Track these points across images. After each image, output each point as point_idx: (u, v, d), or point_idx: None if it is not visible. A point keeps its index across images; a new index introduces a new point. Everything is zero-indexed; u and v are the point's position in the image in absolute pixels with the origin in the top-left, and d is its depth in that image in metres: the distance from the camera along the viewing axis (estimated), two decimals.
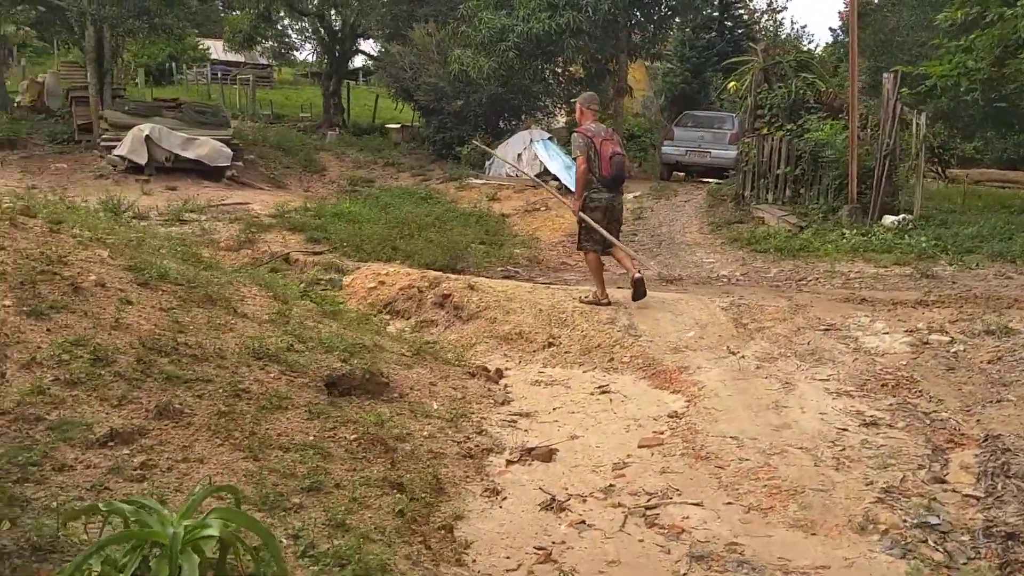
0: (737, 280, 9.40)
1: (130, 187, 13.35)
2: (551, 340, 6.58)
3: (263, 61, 45.12)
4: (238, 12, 30.40)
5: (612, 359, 6.16)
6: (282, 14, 30.83)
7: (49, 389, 3.01)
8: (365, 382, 4.49)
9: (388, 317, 7.78)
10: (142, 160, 13.85)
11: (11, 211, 4.87)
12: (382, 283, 8.14)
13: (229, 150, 14.63)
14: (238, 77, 34.43)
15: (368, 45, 32.11)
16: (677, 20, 22.95)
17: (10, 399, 2.87)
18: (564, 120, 25.59)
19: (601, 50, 18.65)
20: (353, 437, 3.60)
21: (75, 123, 16.64)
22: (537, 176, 16.74)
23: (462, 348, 6.53)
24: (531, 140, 17.31)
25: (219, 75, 37.57)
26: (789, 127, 12.06)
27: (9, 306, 3.55)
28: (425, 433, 4.21)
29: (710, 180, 16.52)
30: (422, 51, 20.86)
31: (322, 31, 30.14)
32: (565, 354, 6.37)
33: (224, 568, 2.07)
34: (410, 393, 4.81)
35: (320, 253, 9.82)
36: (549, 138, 17.63)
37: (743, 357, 5.73)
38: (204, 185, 14.13)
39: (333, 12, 28.57)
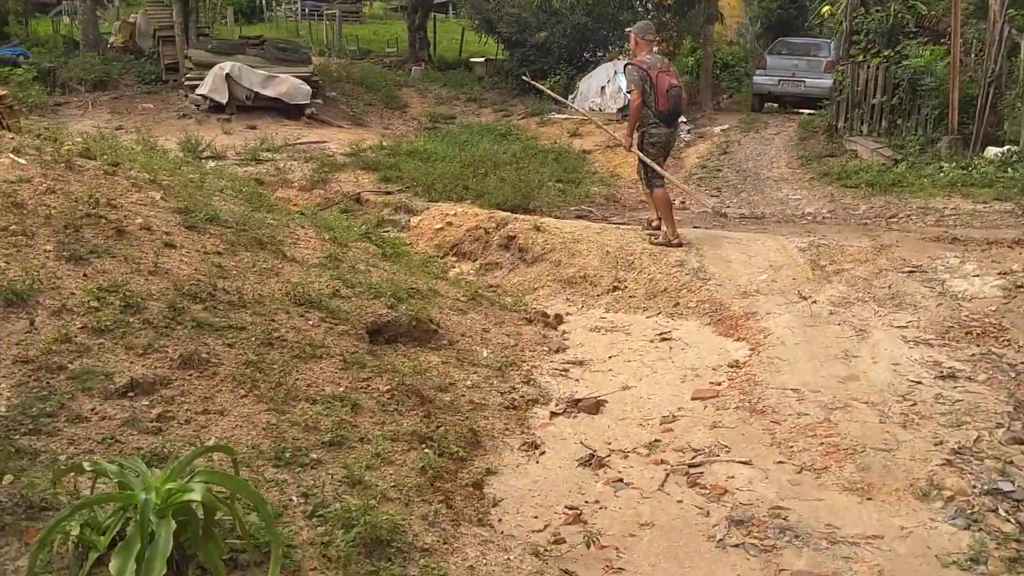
0: (823, 218, 8.86)
1: (211, 126, 13.58)
2: (616, 284, 6.35)
3: None
4: None
5: (678, 304, 5.89)
6: None
7: (76, 337, 3.01)
8: (411, 329, 4.40)
9: (454, 259, 7.69)
10: (223, 99, 14.03)
11: (68, 153, 4.92)
12: (449, 224, 8.03)
13: (308, 88, 14.65)
14: (325, 12, 34.38)
15: None
16: None
17: (36, 348, 2.87)
18: (655, 50, 24.69)
19: None
20: (386, 388, 3.51)
21: (162, 63, 16.98)
22: (620, 109, 16.24)
23: (523, 292, 6.38)
24: (615, 72, 16.69)
25: (313, 12, 37.61)
26: (886, 54, 11.17)
27: (50, 251, 3.57)
28: (468, 383, 4.10)
29: (805, 111, 15.63)
30: None
31: None
32: (630, 299, 6.13)
33: (210, 532, 2.00)
34: (460, 340, 4.70)
35: (391, 193, 9.76)
36: None
37: (815, 302, 5.37)
38: (283, 123, 14.24)
39: None
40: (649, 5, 19.97)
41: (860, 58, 11.60)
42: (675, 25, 21.27)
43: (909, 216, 8.13)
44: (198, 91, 14.22)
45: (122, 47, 20.57)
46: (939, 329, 4.84)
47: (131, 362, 3.00)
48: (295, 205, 9.89)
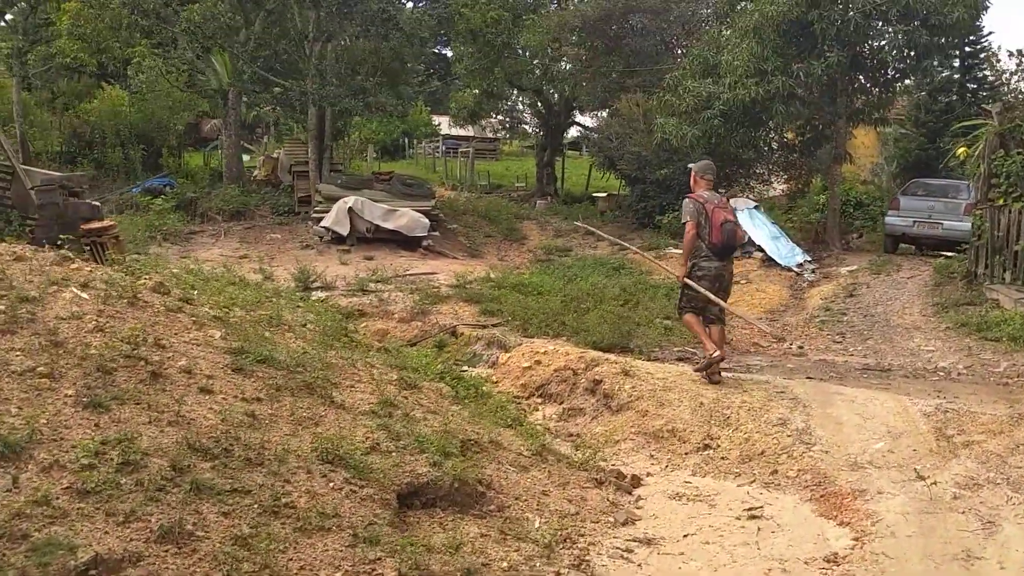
0: (958, 374, 7.90)
1: (330, 257, 14.02)
2: (707, 442, 5.72)
3: (490, 135, 47.51)
4: (465, 90, 32.15)
5: (776, 471, 5.19)
6: (504, 90, 32.16)
7: (56, 499, 2.78)
8: (453, 491, 3.97)
9: (539, 400, 7.27)
10: (344, 231, 14.54)
11: (135, 288, 4.93)
12: (538, 363, 7.66)
13: (427, 220, 15.01)
14: (460, 151, 36.03)
15: (585, 118, 32.57)
16: (908, 83, 20.98)
17: (7, 511, 2.65)
18: (781, 188, 24.13)
19: (817, 116, 17.27)
20: (393, 574, 3.06)
21: (296, 196, 17.97)
22: (740, 247, 15.69)
23: (603, 444, 5.84)
24: (735, 209, 16.24)
25: (450, 150, 39.45)
26: None
27: (71, 396, 3.43)
28: (506, 564, 3.59)
29: (944, 254, 14.58)
30: (628, 121, 20.62)
31: (539, 104, 30.99)
32: (721, 460, 5.48)
33: None
34: (512, 505, 4.22)
35: (489, 326, 9.53)
36: (755, 207, 16.50)
37: (935, 483, 4.55)
38: (400, 255, 14.55)
39: (550, 87, 29.23)
40: (774, 144, 19.64)
41: (1000, 201, 10.69)
42: (803, 164, 20.79)
43: None
44: (322, 223, 14.82)
45: (264, 180, 22.07)
46: None
47: (105, 532, 2.72)
48: (392, 337, 9.88)
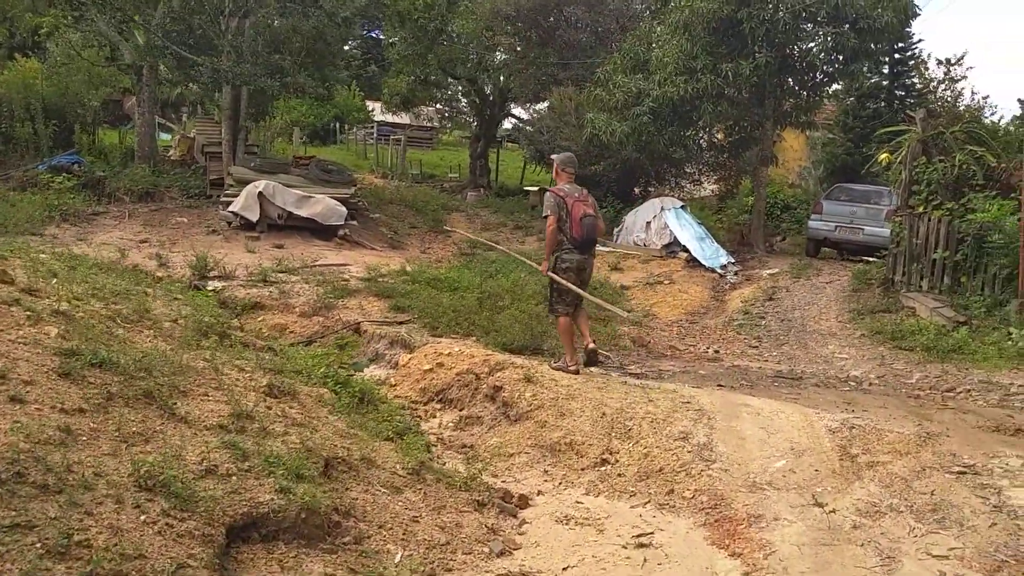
0: (870, 384, 7.75)
1: (237, 244, 13.29)
2: (605, 456, 5.37)
3: (426, 124, 46.71)
4: (398, 76, 31.42)
5: (672, 491, 4.86)
6: (439, 78, 31.52)
7: None
8: (300, 523, 3.49)
9: (438, 407, 6.83)
10: (254, 217, 13.82)
11: None
12: (441, 365, 7.21)
13: (344, 209, 14.38)
14: (392, 138, 35.30)
15: (520, 110, 32.16)
16: (837, 87, 21.17)
17: None
18: (711, 188, 24.13)
19: (745, 117, 17.21)
20: None
21: (208, 178, 17.10)
22: (666, 246, 15.53)
23: (494, 458, 5.44)
24: (661, 208, 16.11)
25: (384, 137, 38.56)
26: (950, 206, 10.21)
27: None
28: None
29: (865, 259, 14.66)
30: (560, 114, 20.30)
31: (473, 94, 30.48)
32: (618, 477, 5.13)
33: None
34: (373, 536, 3.77)
35: (395, 323, 9.03)
36: (682, 207, 16.36)
37: (834, 511, 4.27)
38: (314, 244, 13.90)
39: (484, 76, 28.73)
40: (703, 143, 19.57)
41: (920, 208, 10.66)
42: (732, 165, 20.80)
43: (968, 391, 6.97)
44: (230, 208, 14.06)
45: (179, 161, 21.03)
46: (990, 562, 3.70)
47: None
48: (291, 333, 9.31)
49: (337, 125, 41.52)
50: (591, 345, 6.96)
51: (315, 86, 17.81)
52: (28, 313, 4.36)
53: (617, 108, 16.59)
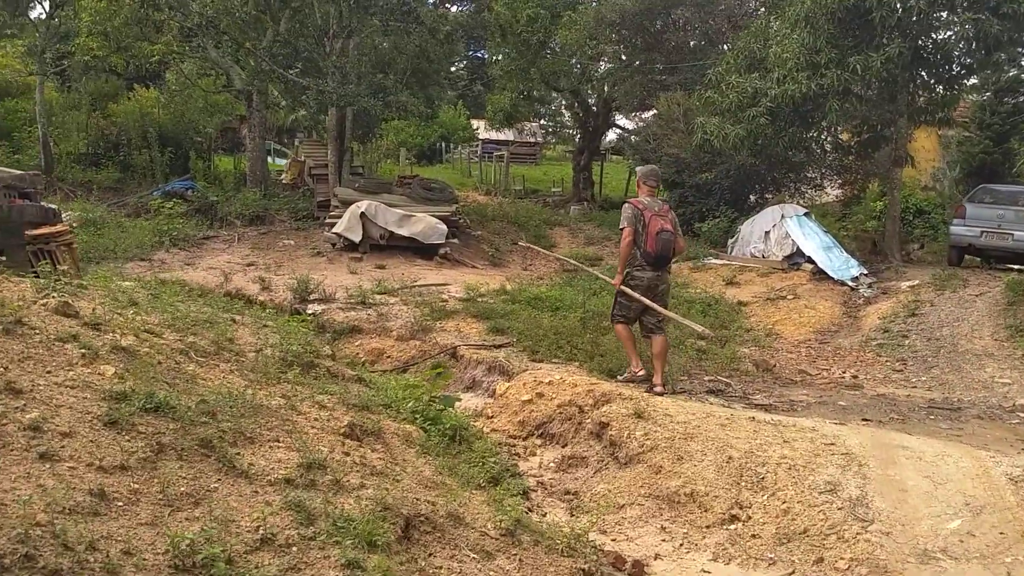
0: None
1: (340, 265, 13.08)
2: (735, 512, 4.56)
3: (530, 139, 46.47)
4: (501, 93, 31.27)
5: (822, 559, 4.02)
6: (542, 92, 31.12)
7: None
8: None
9: (539, 442, 6.18)
10: (356, 237, 13.59)
11: (14, 310, 3.99)
12: (541, 395, 6.56)
13: (444, 227, 13.98)
14: (495, 154, 35.14)
15: (624, 120, 31.37)
16: (974, 82, 19.38)
17: None
18: (835, 193, 22.59)
19: (874, 114, 15.85)
20: None
21: (315, 200, 17.12)
22: (787, 258, 14.39)
23: (602, 510, 4.71)
24: (782, 216, 14.95)
25: (488, 154, 38.45)
26: None
27: None
28: None
29: (1015, 268, 13.13)
30: (667, 121, 19.41)
31: (576, 106, 29.92)
32: (752, 539, 4.32)
33: None
34: None
35: (493, 347, 8.44)
36: (805, 213, 15.15)
37: None
38: (415, 263, 13.55)
39: (587, 87, 28.14)
40: (827, 145, 18.23)
41: None
42: (859, 168, 19.35)
43: None
44: (334, 229, 13.90)
45: (291, 184, 21.33)
46: None
47: None
48: (387, 357, 8.87)
49: (443, 144, 41.75)
50: (658, 388, 6.48)
51: (417, 104, 17.59)
52: (84, 351, 3.96)
53: (730, 110, 15.55)
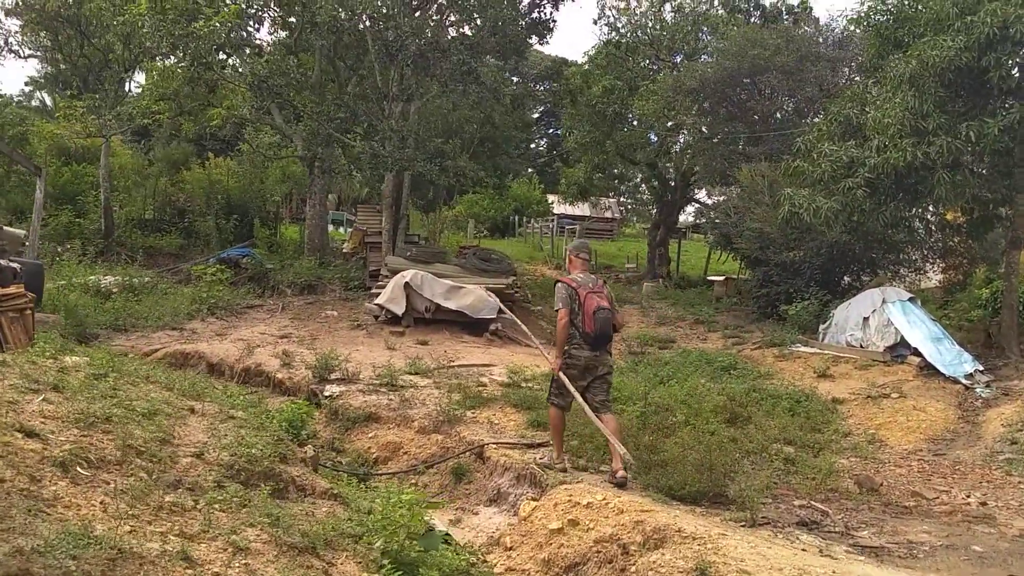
0: None
1: (379, 339, 11.86)
2: None
3: (607, 215, 45.36)
4: (576, 166, 30.43)
5: None
6: (618, 166, 30.11)
7: None
8: None
9: None
10: (399, 310, 12.38)
11: None
12: (574, 523, 5.05)
13: (495, 301, 12.60)
14: (566, 228, 34.08)
15: (704, 195, 29.93)
16: None
17: None
18: (938, 279, 20.48)
19: (988, 190, 13.97)
20: None
21: (368, 269, 16.14)
22: (890, 348, 12.48)
23: None
24: (883, 301, 13.11)
25: (563, 229, 37.47)
26: None
27: None
28: None
29: None
30: (750, 193, 17.85)
31: (653, 179, 28.72)
32: None
33: None
34: None
35: (527, 447, 6.97)
36: (910, 299, 13.26)
37: None
38: (461, 340, 12.21)
39: (665, 160, 26.94)
40: (932, 226, 16.34)
41: None
42: (965, 251, 17.29)
43: None
44: (376, 300, 12.76)
45: (351, 253, 20.52)
46: None
47: None
48: (404, 454, 7.47)
49: (515, 218, 41.00)
50: (620, 473, 5.91)
51: (476, 171, 16.58)
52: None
53: (822, 181, 13.91)
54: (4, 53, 18.93)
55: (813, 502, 6.33)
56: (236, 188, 24.02)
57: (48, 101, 38.10)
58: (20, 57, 20.86)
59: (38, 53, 21.73)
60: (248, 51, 16.54)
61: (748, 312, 17.10)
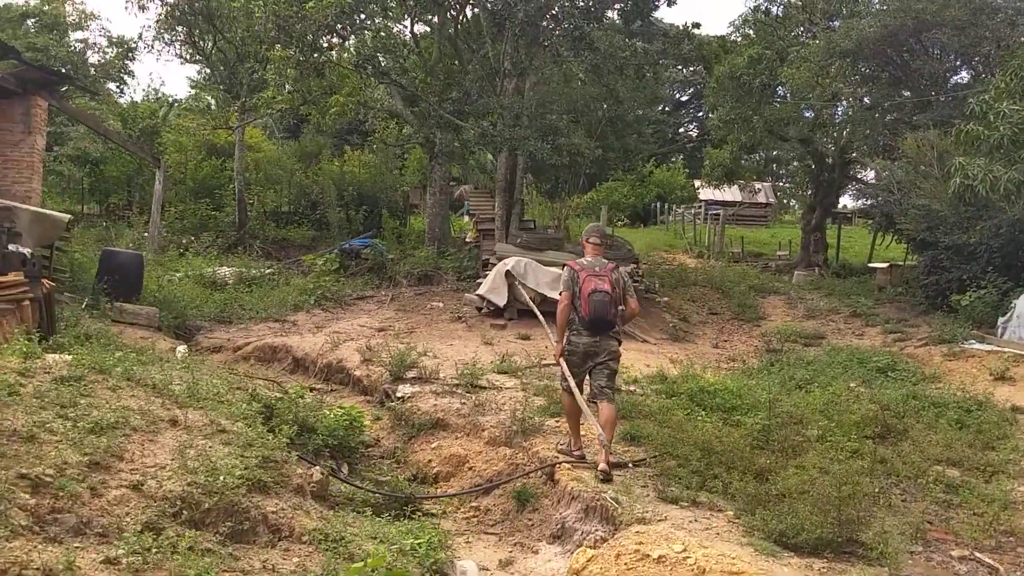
0: None
1: (477, 333, 10.87)
2: None
3: (761, 200, 42.49)
4: (721, 147, 28.41)
5: None
6: (766, 143, 27.78)
7: None
8: None
9: None
10: (501, 301, 11.34)
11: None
12: None
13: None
14: (710, 214, 31.96)
15: (865, 172, 27.04)
16: None
17: None
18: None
19: None
20: None
21: (481, 258, 15.25)
22: None
23: None
24: None
25: (711, 215, 35.33)
26: None
27: None
28: None
29: None
30: (915, 165, 15.53)
31: (808, 157, 26.21)
32: None
33: None
34: None
35: (620, 465, 5.73)
36: None
37: None
38: None
39: (820, 134, 24.43)
40: None
41: None
42: None
43: None
44: (478, 291, 11.80)
45: (471, 242, 19.76)
46: None
47: None
48: (468, 469, 6.41)
49: (657, 205, 39.09)
50: (602, 466, 5.51)
51: (592, 148, 15.20)
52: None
53: (1002, 148, 11.67)
54: (141, 49, 19.41)
55: (977, 552, 4.72)
56: (367, 179, 23.95)
57: (212, 103, 40.04)
58: (152, 51, 21.46)
59: (179, 51, 22.30)
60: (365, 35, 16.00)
61: (914, 303, 14.84)
